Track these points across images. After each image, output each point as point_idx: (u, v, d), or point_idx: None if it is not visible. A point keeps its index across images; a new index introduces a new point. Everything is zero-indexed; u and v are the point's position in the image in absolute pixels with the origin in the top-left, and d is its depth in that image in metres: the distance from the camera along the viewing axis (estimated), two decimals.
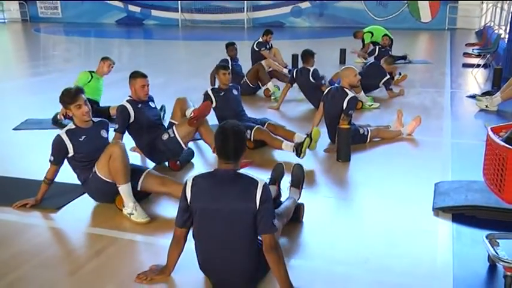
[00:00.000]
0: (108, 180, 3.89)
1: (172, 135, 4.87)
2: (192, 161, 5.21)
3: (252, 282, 2.93)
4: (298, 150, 5.03)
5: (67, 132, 3.96)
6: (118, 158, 3.80)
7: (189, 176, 2.87)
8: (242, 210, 2.72)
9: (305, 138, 5.07)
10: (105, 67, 7.03)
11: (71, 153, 3.94)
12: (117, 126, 4.83)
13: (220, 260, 2.84)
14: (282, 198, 3.80)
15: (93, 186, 4.00)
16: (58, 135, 3.97)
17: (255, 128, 5.40)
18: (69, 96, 3.94)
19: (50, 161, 4.01)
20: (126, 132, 4.92)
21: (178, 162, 4.95)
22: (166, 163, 5.02)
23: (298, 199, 3.79)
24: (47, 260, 3.34)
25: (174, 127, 4.94)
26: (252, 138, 5.36)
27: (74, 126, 4.01)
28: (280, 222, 3.25)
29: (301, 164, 4.02)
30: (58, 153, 3.96)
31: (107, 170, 3.85)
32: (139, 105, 4.87)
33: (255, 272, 2.90)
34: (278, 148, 5.29)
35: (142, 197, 4.09)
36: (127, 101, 4.87)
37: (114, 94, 7.22)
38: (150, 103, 5.02)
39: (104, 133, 4.15)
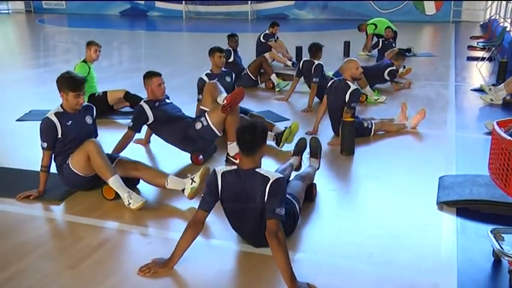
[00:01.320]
0: (80, 174, 3.99)
1: (205, 123, 4.79)
2: (213, 155, 5.15)
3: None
4: (278, 139, 5.21)
5: (55, 114, 3.99)
6: (96, 155, 3.87)
7: (217, 169, 3.14)
8: (258, 202, 3.03)
9: (285, 129, 5.23)
10: (92, 53, 6.68)
11: (59, 135, 3.97)
12: (131, 124, 4.78)
13: (245, 231, 3.32)
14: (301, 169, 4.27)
15: (66, 176, 4.07)
16: (47, 117, 3.99)
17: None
18: (75, 84, 3.97)
19: (42, 147, 4.01)
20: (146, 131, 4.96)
21: (201, 156, 4.89)
22: (189, 158, 4.95)
23: (318, 167, 4.29)
24: (50, 252, 3.35)
25: (206, 114, 4.85)
26: None
27: (61, 110, 4.02)
28: (303, 183, 3.83)
29: (318, 137, 4.52)
30: (49, 136, 3.97)
31: (82, 166, 3.94)
32: (157, 104, 4.84)
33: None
34: None
35: (132, 184, 4.14)
36: (144, 101, 4.84)
37: (118, 86, 7.21)
38: (166, 100, 5.01)
39: (88, 119, 4.17)
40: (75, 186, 4.16)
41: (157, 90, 4.83)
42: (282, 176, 3.11)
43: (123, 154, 4.44)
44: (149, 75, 4.86)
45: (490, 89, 7.42)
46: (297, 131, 5.30)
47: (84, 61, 6.70)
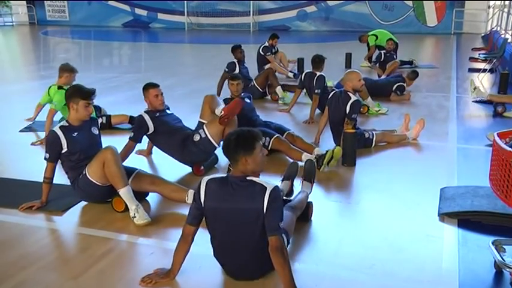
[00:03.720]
0: (98, 183, 3.93)
1: (203, 135, 4.82)
2: (215, 166, 5.15)
3: (258, 274, 3.07)
4: (320, 162, 4.91)
5: (61, 127, 4.00)
6: (112, 162, 3.83)
7: (203, 178, 2.98)
8: (250, 212, 2.85)
9: (327, 152, 4.95)
10: (65, 79, 6.19)
11: (64, 149, 3.97)
12: (132, 134, 4.81)
13: (230, 254, 3.03)
14: (293, 195, 4.02)
15: (82, 187, 4.02)
16: (52, 131, 4.01)
17: (274, 137, 5.28)
18: (87, 93, 4.01)
19: (45, 158, 4.03)
20: (147, 142, 4.96)
21: (202, 167, 4.90)
22: (191, 169, 4.97)
23: (310, 192, 3.99)
24: (52, 262, 3.35)
25: (204, 127, 4.87)
26: (269, 147, 5.19)
27: (67, 124, 4.04)
28: (294, 214, 3.52)
29: (313, 160, 4.35)
30: (53, 149, 3.99)
31: (99, 175, 3.89)
32: (157, 114, 4.86)
33: (260, 267, 3.03)
34: (297, 159, 5.03)
35: (141, 198, 4.10)
36: (145, 111, 4.86)
37: (119, 97, 7.26)
38: (167, 111, 5.02)
39: (94, 130, 4.19)
40: (92, 197, 4.10)
41: (155, 101, 4.84)
42: (276, 184, 2.92)
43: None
44: (146, 88, 4.89)
45: (474, 89, 7.59)
46: (339, 157, 5.06)
47: (60, 87, 6.16)
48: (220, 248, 3.06)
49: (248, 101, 5.84)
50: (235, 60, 8.49)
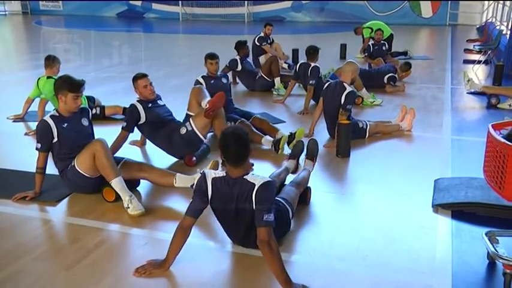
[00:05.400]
0: (86, 175, 3.93)
1: (190, 128, 4.81)
2: (208, 156, 5.12)
3: None
4: (276, 146, 5.14)
5: (51, 117, 3.98)
6: (102, 155, 3.83)
7: (207, 174, 3.09)
8: (247, 208, 3.01)
9: (282, 136, 5.19)
10: (56, 70, 6.21)
11: (55, 138, 3.95)
12: (125, 124, 4.79)
13: (237, 235, 3.28)
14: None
15: (70, 178, 4.02)
16: (43, 120, 3.98)
17: (238, 122, 5.47)
18: (76, 86, 3.96)
19: (37, 149, 4.01)
20: (139, 132, 4.94)
21: (194, 158, 4.88)
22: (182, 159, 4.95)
23: (312, 170, 4.26)
24: (46, 253, 3.34)
25: (191, 119, 4.87)
26: None
27: (57, 114, 4.02)
28: (297, 190, 3.82)
29: (316, 140, 4.48)
30: (44, 138, 3.97)
31: (88, 166, 3.89)
32: (150, 105, 4.84)
33: None
34: (257, 143, 5.27)
35: (132, 186, 4.10)
36: (137, 100, 4.85)
37: (113, 87, 7.21)
38: (159, 101, 5.00)
39: (84, 121, 4.15)
40: (80, 188, 4.10)
41: (144, 91, 4.82)
42: (268, 179, 3.05)
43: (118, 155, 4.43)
44: (135, 79, 4.87)
45: (468, 81, 7.71)
46: (301, 137, 5.21)
47: (49, 77, 6.18)
48: (226, 228, 3.32)
49: (225, 81, 6.02)
50: (237, 58, 8.25)
